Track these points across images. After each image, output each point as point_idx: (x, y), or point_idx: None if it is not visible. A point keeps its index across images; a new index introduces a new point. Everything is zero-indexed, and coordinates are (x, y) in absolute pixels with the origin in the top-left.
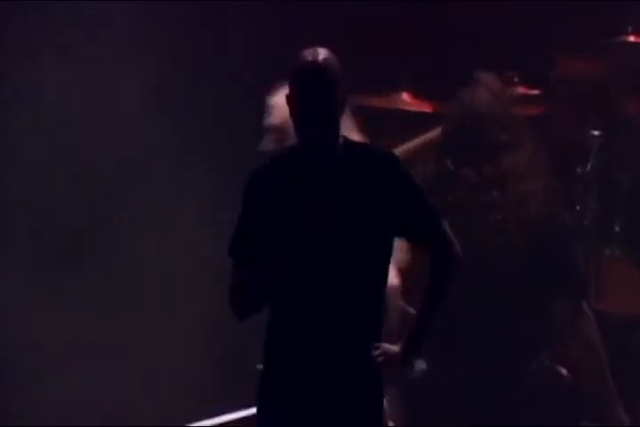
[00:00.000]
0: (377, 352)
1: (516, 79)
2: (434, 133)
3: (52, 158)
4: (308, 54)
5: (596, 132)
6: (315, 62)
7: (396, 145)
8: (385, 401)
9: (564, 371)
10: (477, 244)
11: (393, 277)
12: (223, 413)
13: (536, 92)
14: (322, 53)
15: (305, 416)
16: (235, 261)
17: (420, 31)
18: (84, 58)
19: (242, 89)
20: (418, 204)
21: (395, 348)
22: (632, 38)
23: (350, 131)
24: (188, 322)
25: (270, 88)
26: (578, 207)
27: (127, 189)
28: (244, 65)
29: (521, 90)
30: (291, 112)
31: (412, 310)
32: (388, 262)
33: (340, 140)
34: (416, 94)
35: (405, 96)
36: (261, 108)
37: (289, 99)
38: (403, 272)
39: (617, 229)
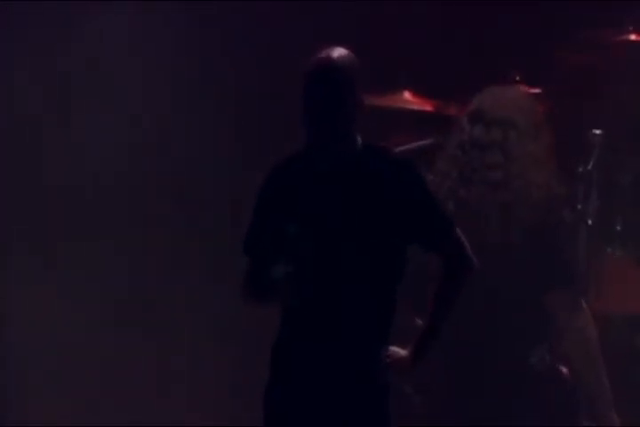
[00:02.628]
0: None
1: (517, 78)
2: (427, 142)
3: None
4: (321, 53)
5: (597, 131)
6: (325, 61)
7: (397, 144)
8: None
9: (564, 369)
10: (479, 200)
11: None
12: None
13: (537, 90)
14: (335, 52)
15: (312, 415)
16: (249, 259)
17: (420, 31)
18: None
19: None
20: (432, 211)
21: (403, 352)
22: (632, 37)
23: None
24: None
25: None
26: (579, 206)
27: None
28: (245, 65)
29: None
30: (304, 110)
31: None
32: (403, 267)
33: (358, 142)
34: (417, 93)
35: (407, 95)
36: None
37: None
38: None
39: (618, 227)
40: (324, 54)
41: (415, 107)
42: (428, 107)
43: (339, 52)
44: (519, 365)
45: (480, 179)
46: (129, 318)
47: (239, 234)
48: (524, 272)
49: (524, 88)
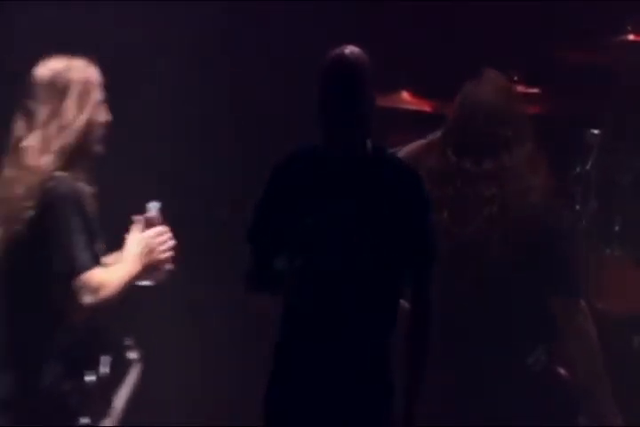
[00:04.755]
0: None
1: (515, 78)
2: (435, 136)
3: None
4: (337, 51)
5: (596, 131)
6: (346, 57)
7: (395, 144)
8: None
9: (562, 370)
10: (476, 235)
11: None
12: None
13: (535, 90)
14: (353, 50)
15: (312, 415)
16: (253, 248)
17: (420, 31)
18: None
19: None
20: (422, 238)
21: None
22: (631, 37)
23: None
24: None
25: None
26: (577, 207)
27: None
28: (245, 66)
29: (520, 89)
30: (319, 108)
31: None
32: (403, 268)
33: (368, 143)
34: (416, 93)
35: (405, 95)
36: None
37: (318, 94)
38: None
39: (617, 228)
40: (340, 52)
41: (413, 107)
42: (425, 107)
43: (354, 50)
44: (519, 365)
45: (474, 214)
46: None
47: (239, 234)
48: (525, 275)
49: (492, 85)
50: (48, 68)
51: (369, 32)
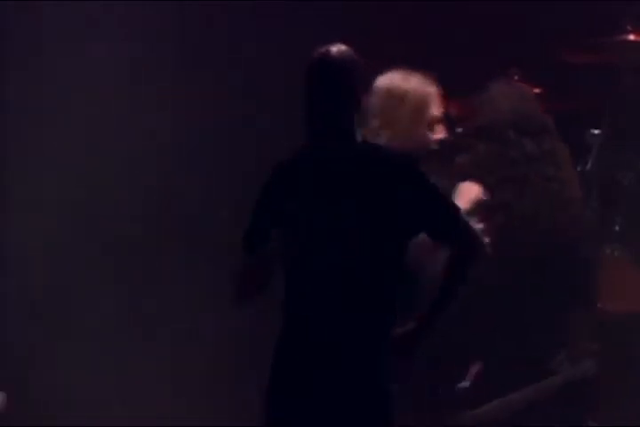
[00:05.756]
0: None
1: (515, 78)
2: None
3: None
4: (321, 49)
5: (596, 131)
6: (325, 58)
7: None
8: None
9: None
10: (535, 218)
11: None
12: None
13: (535, 90)
14: (336, 49)
15: (312, 419)
16: (251, 251)
17: (421, 31)
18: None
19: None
20: (436, 201)
21: (402, 329)
22: (631, 37)
23: None
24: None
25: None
26: None
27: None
28: (244, 66)
29: None
30: (304, 104)
31: None
32: (402, 264)
33: (358, 139)
34: None
35: None
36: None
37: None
38: None
39: (617, 228)
40: (324, 51)
41: None
42: None
43: (339, 48)
44: (534, 364)
45: (536, 194)
46: (129, 318)
47: (237, 237)
48: (551, 280)
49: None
50: (387, 78)
51: (369, 32)
